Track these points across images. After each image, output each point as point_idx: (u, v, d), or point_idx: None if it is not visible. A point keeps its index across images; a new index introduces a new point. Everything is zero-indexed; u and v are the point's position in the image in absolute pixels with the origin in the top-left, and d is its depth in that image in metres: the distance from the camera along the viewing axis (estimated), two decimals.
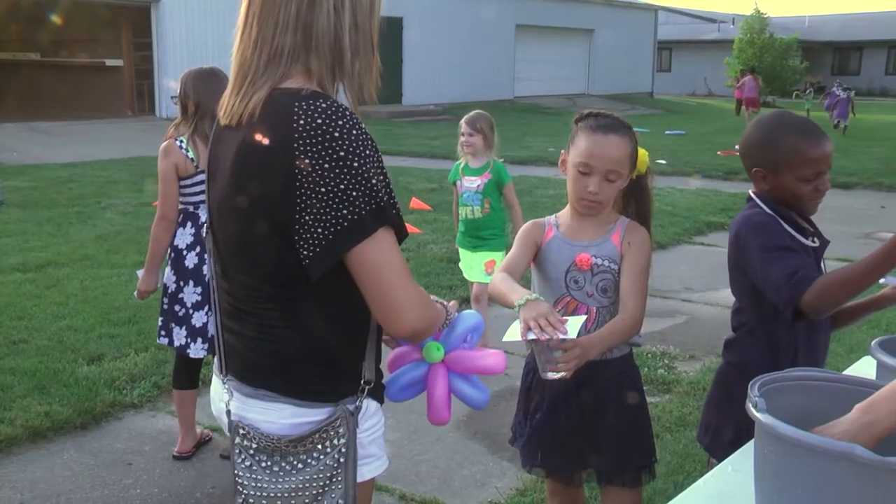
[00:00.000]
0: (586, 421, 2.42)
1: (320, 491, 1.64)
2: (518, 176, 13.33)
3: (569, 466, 2.52)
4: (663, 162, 15.08)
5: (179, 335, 3.72)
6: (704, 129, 22.53)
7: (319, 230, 1.51)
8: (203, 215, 3.64)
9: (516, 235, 2.56)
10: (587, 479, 2.57)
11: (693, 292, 6.71)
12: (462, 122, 5.06)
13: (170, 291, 3.74)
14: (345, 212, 1.50)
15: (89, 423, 4.21)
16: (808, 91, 27.96)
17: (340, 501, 1.63)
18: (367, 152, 1.53)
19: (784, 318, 2.14)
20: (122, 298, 6.13)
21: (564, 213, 2.51)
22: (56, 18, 21.15)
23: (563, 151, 2.44)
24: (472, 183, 5.00)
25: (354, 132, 1.52)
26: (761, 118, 2.36)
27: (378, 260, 1.54)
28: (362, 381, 1.68)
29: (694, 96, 41.17)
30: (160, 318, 3.79)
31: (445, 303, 1.88)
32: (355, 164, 1.50)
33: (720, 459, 2.04)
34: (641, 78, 36.10)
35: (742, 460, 1.84)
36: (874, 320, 5.55)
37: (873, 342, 1.89)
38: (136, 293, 3.84)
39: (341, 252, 1.52)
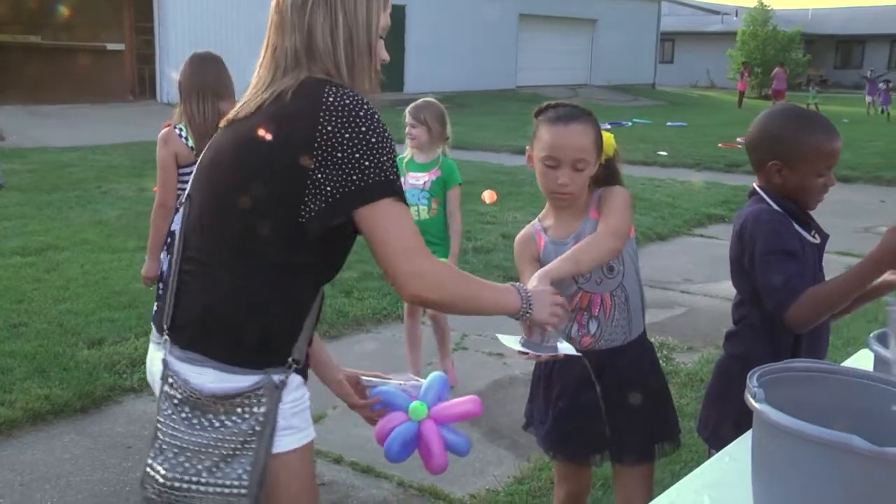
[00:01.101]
0: (609, 405, 2.43)
1: (230, 453, 1.71)
2: (519, 166, 13.34)
3: (588, 451, 2.54)
4: (664, 153, 15.09)
5: None
6: (706, 121, 22.51)
7: (328, 188, 1.68)
8: None
9: (515, 256, 2.53)
10: (603, 461, 2.57)
11: (692, 284, 6.72)
12: (406, 110, 4.49)
13: (164, 276, 3.75)
14: (354, 177, 1.67)
15: (89, 406, 4.23)
16: (811, 87, 28.25)
17: (248, 468, 1.70)
18: (385, 136, 1.73)
19: None
20: (122, 283, 6.14)
21: (546, 212, 2.52)
22: (57, 1, 21.08)
23: (528, 147, 2.44)
24: (417, 180, 4.42)
25: (377, 117, 1.73)
26: (773, 111, 2.36)
27: (381, 226, 1.70)
28: (290, 359, 1.78)
29: (696, 88, 41.12)
30: (155, 303, 3.80)
31: (520, 286, 1.95)
32: (373, 140, 1.69)
33: (719, 450, 2.05)
34: (644, 69, 36.03)
35: (739, 450, 1.85)
36: (871, 314, 5.55)
37: (871, 335, 1.90)
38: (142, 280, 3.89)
39: (344, 211, 1.69)
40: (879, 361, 1.83)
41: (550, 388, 2.53)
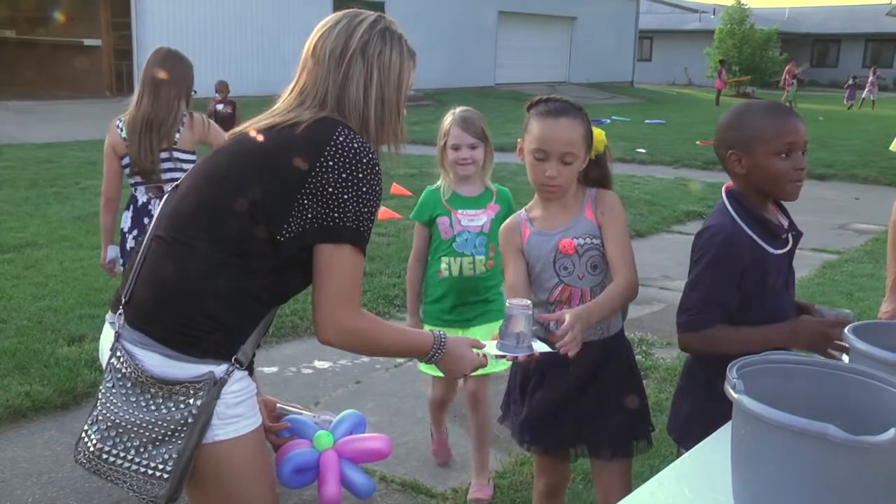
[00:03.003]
0: (584, 398, 2.47)
1: (160, 437, 1.76)
2: (499, 163, 13.30)
3: (564, 443, 2.57)
4: (643, 151, 15.16)
5: None
6: (684, 119, 22.63)
7: (310, 216, 1.77)
8: (141, 198, 3.78)
9: (500, 248, 2.59)
10: (579, 455, 2.61)
11: (670, 280, 6.77)
12: (451, 123, 3.25)
13: (129, 253, 3.80)
14: (335, 215, 1.77)
15: (70, 403, 4.21)
16: (791, 84, 28.97)
17: (174, 455, 1.75)
18: (376, 190, 1.83)
19: (748, 312, 2.19)
20: (102, 279, 6.09)
21: (534, 204, 2.55)
22: None
23: (519, 140, 2.47)
24: (471, 220, 3.27)
25: (376, 170, 1.83)
26: (731, 108, 2.35)
27: (331, 268, 1.80)
28: (234, 358, 1.82)
29: (674, 86, 41.33)
30: None
31: (438, 333, 2.03)
32: (363, 189, 1.80)
33: (689, 449, 2.07)
34: (622, 67, 36.18)
35: (718, 442, 1.88)
36: (848, 309, 5.63)
37: (848, 328, 1.94)
38: None
39: (312, 240, 1.78)
40: (854, 353, 1.87)
41: (527, 380, 2.57)
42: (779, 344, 2.10)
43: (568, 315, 2.18)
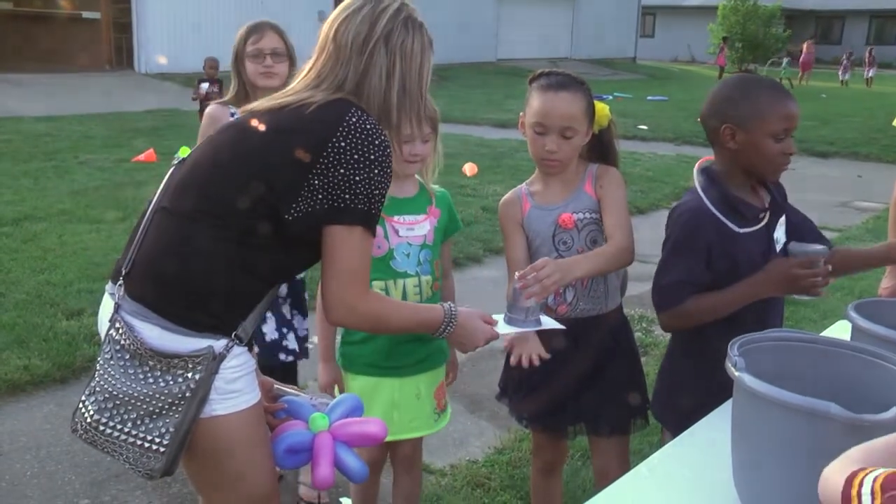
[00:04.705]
0: (582, 376, 2.46)
1: (157, 410, 1.75)
2: (499, 139, 13.33)
3: (562, 421, 2.57)
4: (645, 127, 15.11)
5: None
6: (686, 96, 22.52)
7: (320, 196, 1.76)
8: None
9: (500, 219, 2.55)
10: (577, 433, 2.61)
11: None
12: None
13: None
14: (346, 196, 1.76)
15: (69, 377, 4.21)
16: (784, 60, 28.78)
17: (171, 429, 1.73)
18: (387, 171, 1.82)
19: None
20: (101, 253, 6.09)
21: (535, 178, 2.53)
22: None
23: (521, 114, 2.45)
24: (411, 229, 2.51)
25: (388, 152, 1.82)
26: (724, 80, 2.32)
27: (341, 248, 1.79)
28: (234, 333, 1.80)
29: (677, 62, 41.08)
30: None
31: (449, 306, 2.02)
32: (375, 171, 1.78)
33: (674, 430, 2.06)
34: (625, 43, 35.90)
35: (717, 421, 1.88)
36: (847, 287, 5.63)
37: (849, 305, 1.93)
38: None
39: (322, 221, 1.77)
40: (857, 331, 1.86)
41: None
42: (756, 296, 2.10)
43: (548, 262, 2.15)
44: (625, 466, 2.36)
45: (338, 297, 1.82)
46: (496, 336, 2.10)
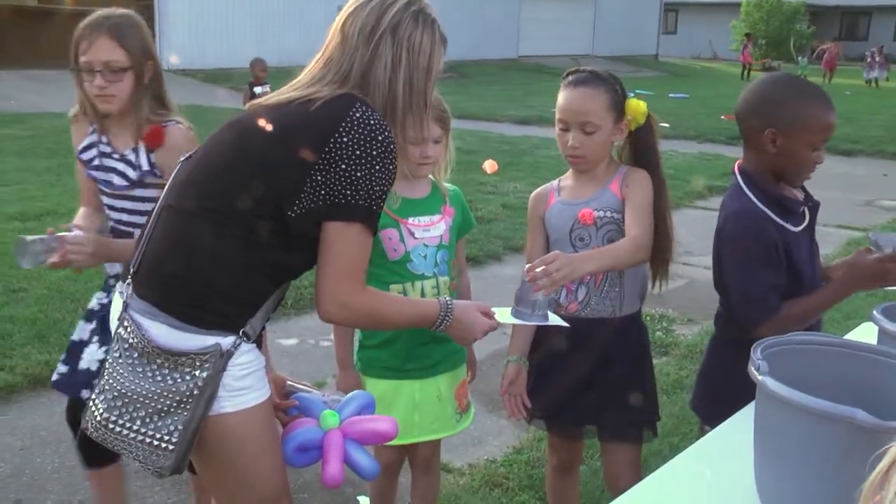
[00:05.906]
0: (593, 377, 2.44)
1: (165, 408, 1.74)
2: (520, 136, 13.29)
3: (572, 422, 2.55)
4: (666, 125, 14.98)
5: None
6: (708, 93, 22.39)
7: (322, 192, 1.75)
8: None
9: (528, 215, 2.56)
10: (589, 435, 2.60)
11: (692, 256, 6.70)
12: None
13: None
14: (347, 192, 1.75)
15: None
16: (802, 59, 28.46)
17: (180, 427, 1.73)
18: (390, 168, 1.79)
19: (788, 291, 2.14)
20: None
21: (568, 175, 2.53)
22: None
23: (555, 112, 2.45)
24: (427, 230, 2.48)
25: (392, 148, 1.79)
26: (769, 78, 2.27)
27: (339, 245, 1.77)
28: (242, 331, 1.80)
29: (699, 59, 40.82)
30: None
31: (444, 300, 2.00)
32: (377, 167, 1.76)
33: (713, 427, 2.04)
34: (646, 40, 35.71)
35: (740, 423, 1.85)
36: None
37: (876, 309, 1.89)
38: None
39: (323, 217, 1.76)
40: (883, 334, 1.83)
41: (538, 355, 2.53)
42: (847, 294, 2.11)
43: (559, 255, 2.11)
44: (636, 475, 2.33)
45: (330, 293, 1.79)
46: (496, 327, 2.07)
